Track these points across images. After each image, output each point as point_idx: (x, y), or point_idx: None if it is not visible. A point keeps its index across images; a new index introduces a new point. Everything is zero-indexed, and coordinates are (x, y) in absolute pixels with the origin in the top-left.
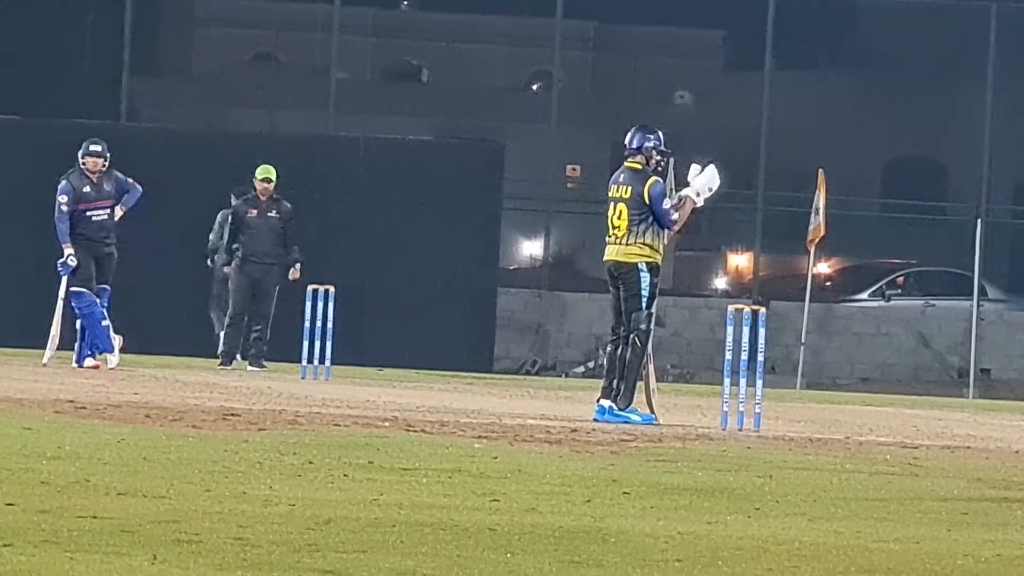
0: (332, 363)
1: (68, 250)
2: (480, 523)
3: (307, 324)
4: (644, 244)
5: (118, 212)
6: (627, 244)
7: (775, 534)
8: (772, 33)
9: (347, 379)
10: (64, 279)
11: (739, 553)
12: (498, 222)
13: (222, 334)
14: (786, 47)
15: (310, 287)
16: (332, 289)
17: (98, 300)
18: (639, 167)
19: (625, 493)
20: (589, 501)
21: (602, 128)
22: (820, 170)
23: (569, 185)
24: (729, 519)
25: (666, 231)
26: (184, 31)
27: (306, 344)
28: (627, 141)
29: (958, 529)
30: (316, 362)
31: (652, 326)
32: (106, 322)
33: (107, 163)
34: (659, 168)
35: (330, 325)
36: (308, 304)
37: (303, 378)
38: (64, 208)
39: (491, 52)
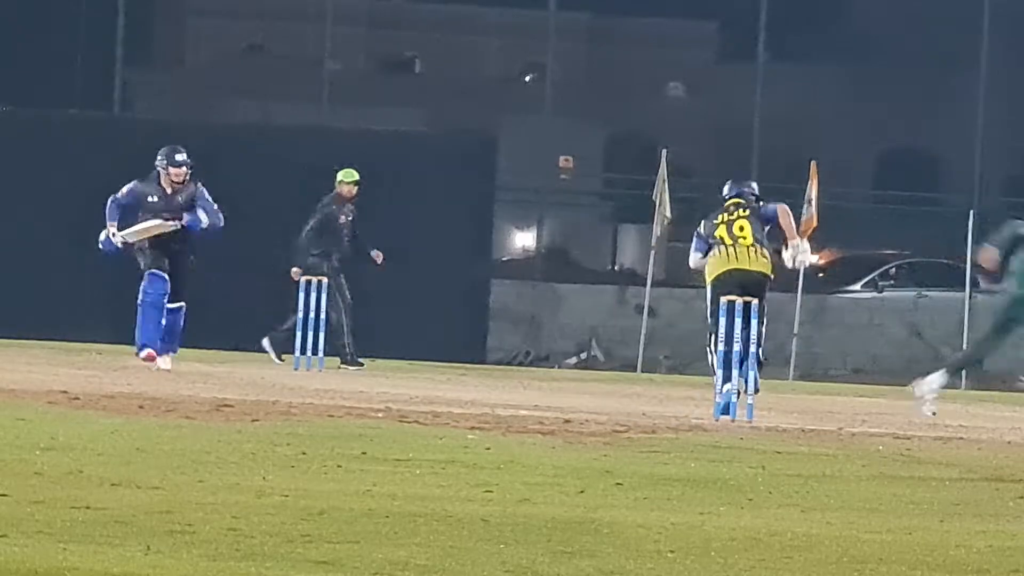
0: (325, 354)
1: (112, 227)
2: (473, 514)
3: (300, 316)
4: (769, 253)
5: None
6: (761, 253)
7: (768, 525)
8: (765, 24)
9: (340, 370)
10: (301, 295)
11: (732, 544)
12: (491, 213)
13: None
14: (779, 38)
15: (303, 279)
16: (325, 280)
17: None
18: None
19: (618, 484)
20: (582, 492)
21: (595, 119)
22: (812, 161)
23: (562, 176)
24: (722, 510)
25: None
26: (177, 22)
27: (299, 335)
28: (726, 191)
29: (950, 520)
30: (309, 353)
31: None
32: (162, 322)
33: (190, 172)
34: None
35: (323, 316)
36: (301, 296)
37: (296, 369)
38: (118, 196)
39: (484, 43)
